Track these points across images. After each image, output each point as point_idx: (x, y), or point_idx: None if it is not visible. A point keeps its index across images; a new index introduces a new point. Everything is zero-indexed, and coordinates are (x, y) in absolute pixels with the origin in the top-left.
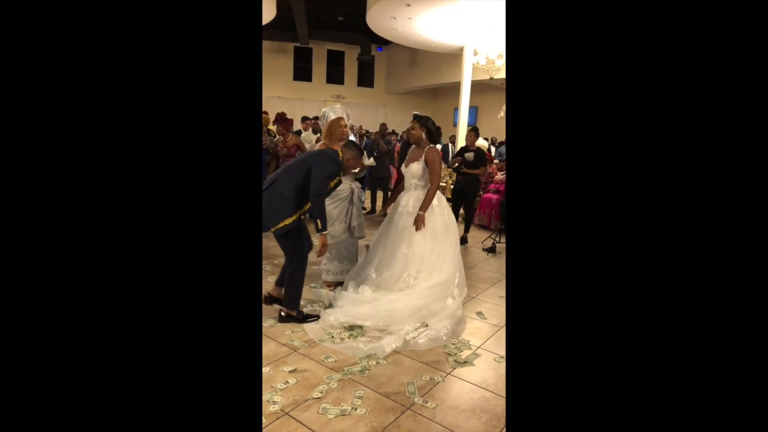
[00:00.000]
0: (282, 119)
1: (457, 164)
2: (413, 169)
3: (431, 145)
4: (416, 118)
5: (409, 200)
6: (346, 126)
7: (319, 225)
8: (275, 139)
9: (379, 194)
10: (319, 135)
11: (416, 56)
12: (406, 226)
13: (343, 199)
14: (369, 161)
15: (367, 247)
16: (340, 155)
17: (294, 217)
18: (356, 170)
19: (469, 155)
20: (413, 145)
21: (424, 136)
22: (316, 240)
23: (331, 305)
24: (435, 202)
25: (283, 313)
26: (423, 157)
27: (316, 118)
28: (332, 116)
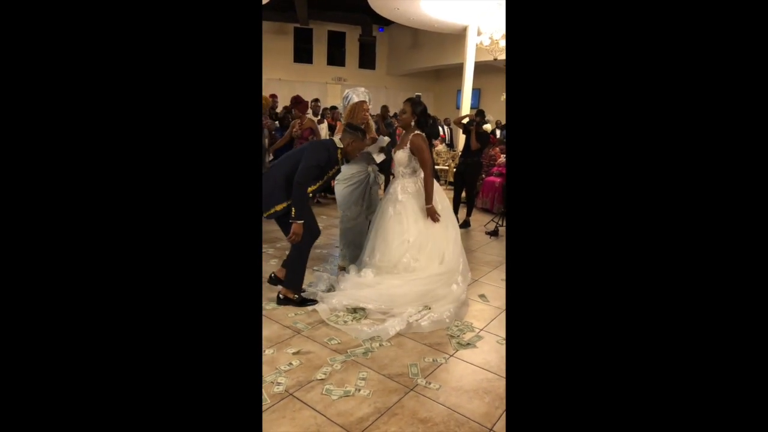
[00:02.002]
0: (298, 102)
1: (468, 119)
2: (398, 157)
3: (416, 132)
4: (410, 100)
5: (397, 188)
6: (368, 110)
7: (293, 213)
8: (292, 122)
9: (381, 177)
10: (319, 117)
11: (418, 37)
12: (393, 213)
13: (360, 182)
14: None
15: None
16: (339, 144)
17: (284, 204)
18: (379, 157)
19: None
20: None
21: (413, 123)
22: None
23: (332, 288)
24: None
25: (281, 296)
26: (408, 144)
27: (317, 100)
28: (355, 99)
